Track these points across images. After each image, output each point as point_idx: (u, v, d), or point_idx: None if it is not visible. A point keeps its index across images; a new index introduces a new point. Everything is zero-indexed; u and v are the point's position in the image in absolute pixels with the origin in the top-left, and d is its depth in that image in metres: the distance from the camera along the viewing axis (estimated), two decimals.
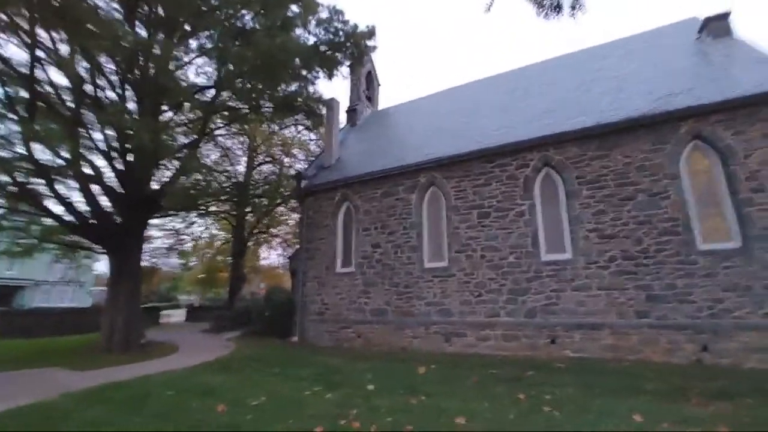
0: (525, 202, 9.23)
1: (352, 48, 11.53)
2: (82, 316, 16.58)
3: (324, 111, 13.02)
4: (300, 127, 21.77)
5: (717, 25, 10.28)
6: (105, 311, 10.66)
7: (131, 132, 8.25)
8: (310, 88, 12.16)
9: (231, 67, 11.00)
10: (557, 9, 6.66)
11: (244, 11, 11.54)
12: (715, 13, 10.30)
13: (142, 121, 8.59)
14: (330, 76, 12.65)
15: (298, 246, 24.41)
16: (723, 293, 7.07)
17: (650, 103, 8.68)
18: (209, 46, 11.87)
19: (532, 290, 8.72)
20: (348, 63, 12.43)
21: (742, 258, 7.07)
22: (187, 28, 11.38)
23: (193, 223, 20.15)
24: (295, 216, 25.01)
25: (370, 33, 11.61)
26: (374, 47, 11.84)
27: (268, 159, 21.40)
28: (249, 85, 12.07)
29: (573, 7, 6.47)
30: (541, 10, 6.87)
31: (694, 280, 7.30)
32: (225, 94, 13.04)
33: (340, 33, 11.22)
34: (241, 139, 21.66)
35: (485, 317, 9.11)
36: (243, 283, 21.06)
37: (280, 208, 22.79)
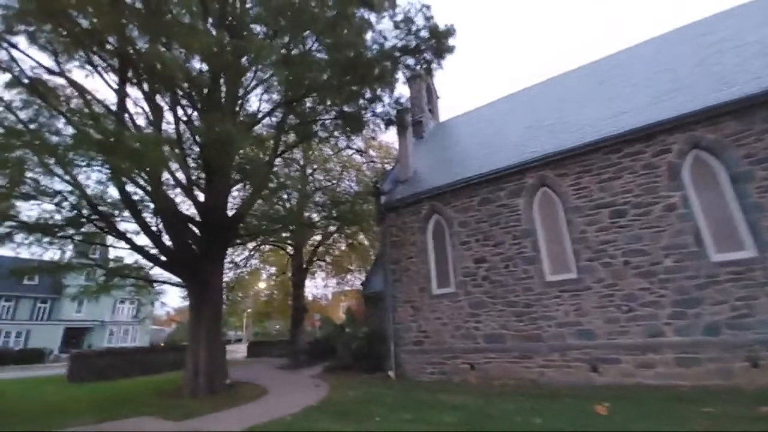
0: (674, 193, 7.63)
1: (433, 48, 10.66)
2: (150, 355, 16.00)
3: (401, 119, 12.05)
4: (350, 151, 21.24)
5: None
6: (189, 349, 9.75)
7: (230, 143, 7.56)
8: (395, 94, 11.36)
9: (307, 79, 10.28)
10: None
11: (306, 32, 10.91)
12: None
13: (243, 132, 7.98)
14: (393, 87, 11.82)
15: (365, 270, 23.32)
16: None
17: None
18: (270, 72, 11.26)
19: (708, 300, 6.95)
20: (423, 67, 11.55)
21: None
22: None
23: (252, 255, 19.55)
24: (347, 241, 24.04)
25: (449, 32, 10.74)
26: (453, 47, 10.93)
27: (325, 184, 20.71)
28: (318, 97, 11.32)
29: None
30: None
31: None
32: (292, 116, 12.50)
33: (421, 32, 10.41)
34: (293, 168, 21.28)
35: (644, 338, 7.35)
36: (304, 315, 19.95)
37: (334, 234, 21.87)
